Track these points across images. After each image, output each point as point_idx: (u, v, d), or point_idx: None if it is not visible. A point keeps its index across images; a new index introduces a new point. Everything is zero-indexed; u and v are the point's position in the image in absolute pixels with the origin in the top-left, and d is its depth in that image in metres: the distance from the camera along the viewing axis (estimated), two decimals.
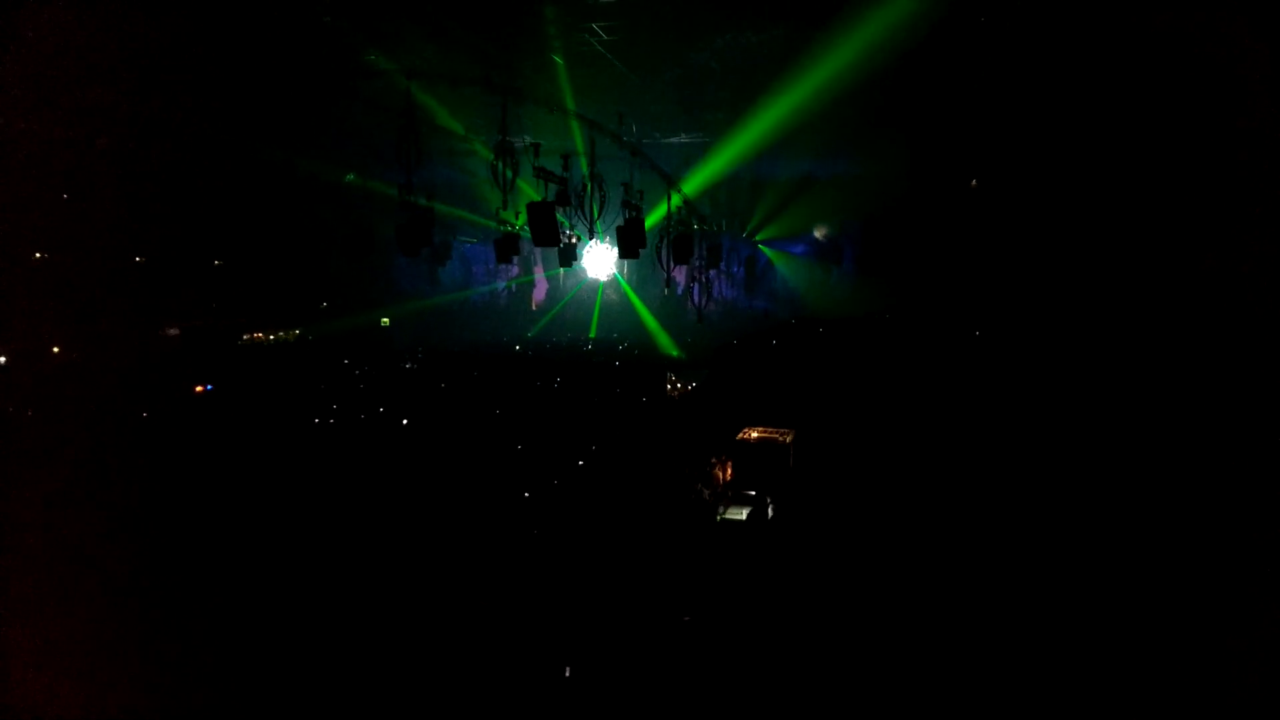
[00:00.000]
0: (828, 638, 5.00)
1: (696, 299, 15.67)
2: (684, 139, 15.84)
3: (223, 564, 6.04)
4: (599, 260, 19.67)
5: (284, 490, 7.69)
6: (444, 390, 12.75)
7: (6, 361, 11.41)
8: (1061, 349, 10.43)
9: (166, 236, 14.00)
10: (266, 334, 17.15)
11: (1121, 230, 10.24)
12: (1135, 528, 6.23)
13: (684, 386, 13.08)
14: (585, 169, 11.23)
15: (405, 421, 10.41)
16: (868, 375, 10.88)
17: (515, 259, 14.76)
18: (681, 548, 6.32)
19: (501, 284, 21.57)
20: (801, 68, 10.38)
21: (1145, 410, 8.16)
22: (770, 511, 7.10)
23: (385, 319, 19.80)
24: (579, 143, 12.97)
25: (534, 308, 21.72)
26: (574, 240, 13.79)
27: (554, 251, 14.12)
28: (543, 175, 11.06)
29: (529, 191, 11.59)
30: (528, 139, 11.31)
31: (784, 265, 19.13)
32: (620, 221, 11.82)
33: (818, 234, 18.35)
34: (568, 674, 4.70)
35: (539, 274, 21.55)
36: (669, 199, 12.73)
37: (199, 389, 12.16)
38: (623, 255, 12.22)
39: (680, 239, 12.69)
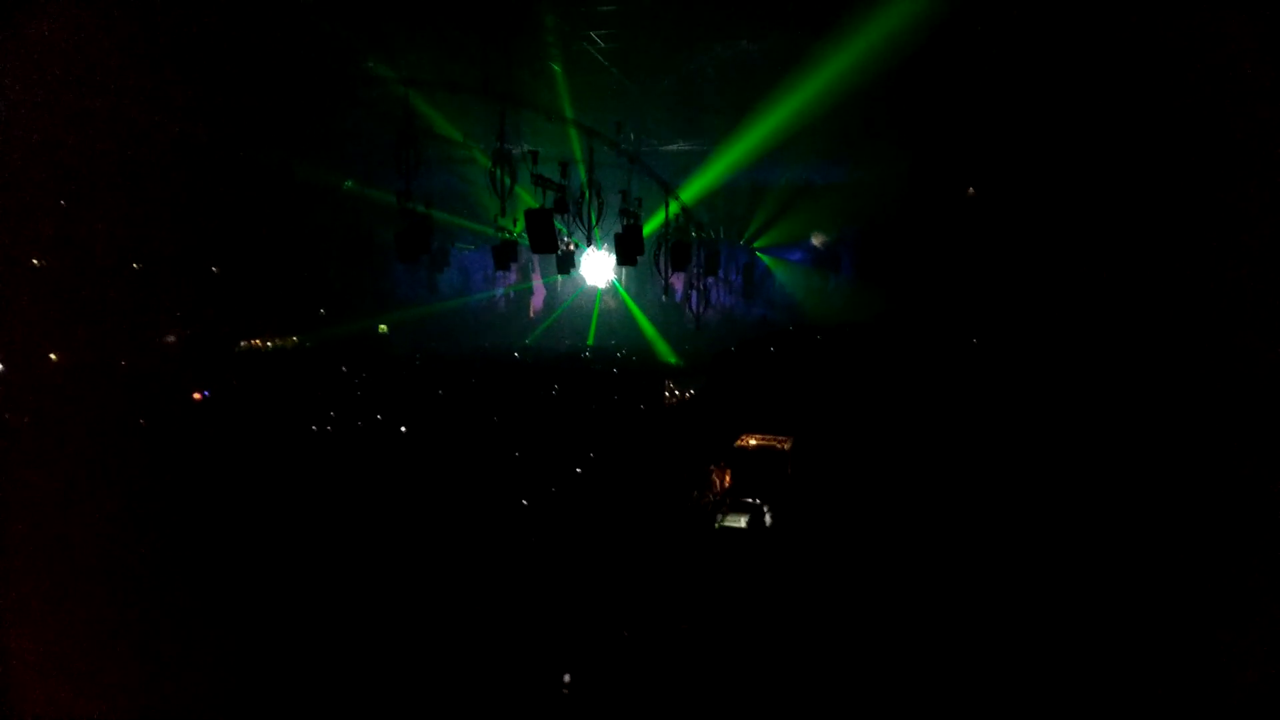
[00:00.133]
0: (826, 647, 4.98)
1: (694, 306, 15.70)
2: (682, 146, 15.88)
3: (221, 571, 6.02)
4: (597, 267, 19.69)
5: (282, 497, 7.67)
6: (442, 397, 12.74)
7: (4, 368, 11.38)
8: (1060, 355, 10.44)
9: (164, 243, 14.00)
10: (264, 341, 17.14)
11: (1119, 238, 10.26)
12: (1135, 533, 6.23)
13: (682, 394, 13.08)
14: (583, 176, 11.25)
15: (403, 429, 10.39)
16: (866, 382, 10.88)
17: (513, 266, 14.77)
18: (680, 556, 6.31)
19: (500, 291, 21.57)
20: (798, 76, 10.42)
21: (1144, 416, 8.16)
22: (769, 519, 7.09)
23: (383, 326, 19.79)
24: (577, 150, 12.99)
25: (532, 315, 21.72)
26: (572, 247, 13.81)
27: (552, 259, 14.15)
28: (541, 183, 11.08)
29: (527, 199, 11.60)
30: (526, 146, 11.34)
31: (782, 272, 19.15)
32: (618, 229, 11.84)
33: (815, 241, 18.37)
34: (566, 682, 4.68)
35: (537, 281, 21.56)
36: (667, 206, 12.76)
37: (197, 396, 12.14)
38: (621, 262, 12.24)
39: (678, 246, 12.71)
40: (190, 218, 13.89)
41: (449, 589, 5.77)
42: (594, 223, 11.24)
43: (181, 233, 14.03)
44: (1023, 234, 12.77)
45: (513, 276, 20.90)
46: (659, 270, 13.03)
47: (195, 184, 13.48)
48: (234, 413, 11.54)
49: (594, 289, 20.71)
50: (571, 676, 4.71)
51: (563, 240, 12.78)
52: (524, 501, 7.58)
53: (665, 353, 18.24)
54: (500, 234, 12.30)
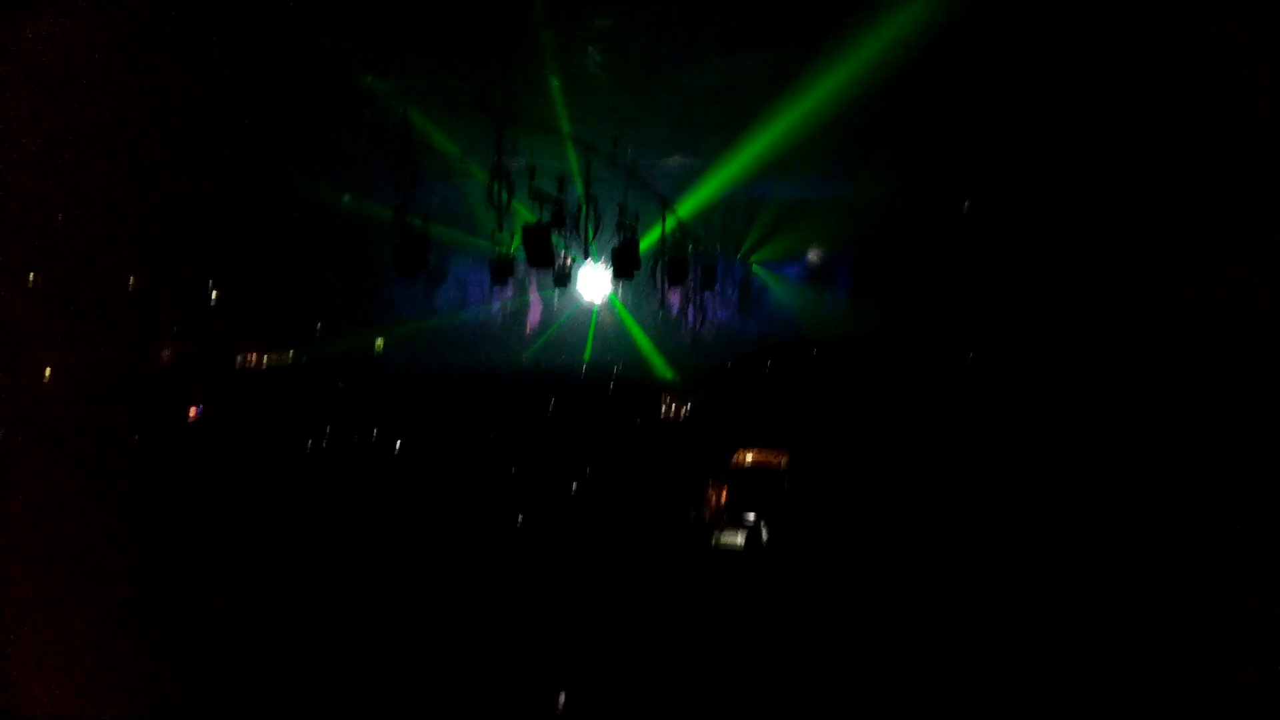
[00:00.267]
0: (824, 666, 4.93)
1: (691, 321, 15.70)
2: (679, 161, 15.90)
3: (215, 587, 5.99)
4: (594, 282, 19.70)
5: (277, 512, 7.62)
6: (438, 413, 12.70)
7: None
8: (1057, 367, 10.45)
9: (161, 259, 13.99)
10: (260, 356, 17.09)
11: (1116, 251, 10.30)
12: (1133, 541, 6.21)
13: (679, 409, 13.05)
14: (580, 191, 11.26)
15: (398, 444, 10.34)
16: (863, 397, 10.87)
17: (510, 281, 14.76)
18: (676, 573, 6.26)
19: (496, 306, 21.56)
20: (795, 91, 10.46)
21: (1142, 425, 8.15)
22: (766, 536, 7.04)
23: (380, 341, 19.76)
24: (574, 165, 13.02)
25: (529, 330, 21.71)
26: (569, 262, 13.81)
27: (549, 274, 14.15)
28: (538, 197, 11.08)
29: (524, 214, 11.60)
30: (523, 161, 11.34)
31: (778, 287, 19.18)
32: (615, 244, 11.84)
33: (812, 256, 18.42)
34: (562, 701, 4.63)
35: (534, 296, 21.56)
36: (664, 221, 12.78)
37: (192, 412, 12.09)
38: (617, 277, 12.24)
39: (675, 261, 12.71)
40: (186, 233, 13.88)
41: (444, 605, 5.73)
42: (591, 238, 11.24)
43: (177, 248, 14.02)
44: (1019, 248, 12.82)
45: (509, 292, 20.90)
46: (656, 285, 13.04)
47: (192, 199, 13.48)
48: (229, 429, 11.49)
49: (591, 304, 20.71)
50: (566, 696, 4.66)
51: (559, 255, 12.77)
52: (520, 518, 7.53)
53: (662, 368, 18.21)
54: (497, 249, 12.29)
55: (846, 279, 18.01)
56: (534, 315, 21.79)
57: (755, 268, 19.12)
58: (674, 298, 18.22)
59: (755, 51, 9.80)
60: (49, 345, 12.10)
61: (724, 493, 7.73)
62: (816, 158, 13.78)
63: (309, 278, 17.73)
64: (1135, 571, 5.82)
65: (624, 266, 11.79)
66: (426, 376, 16.48)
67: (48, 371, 12.25)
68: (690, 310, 15.96)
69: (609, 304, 20.67)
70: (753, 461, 7.73)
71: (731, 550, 6.84)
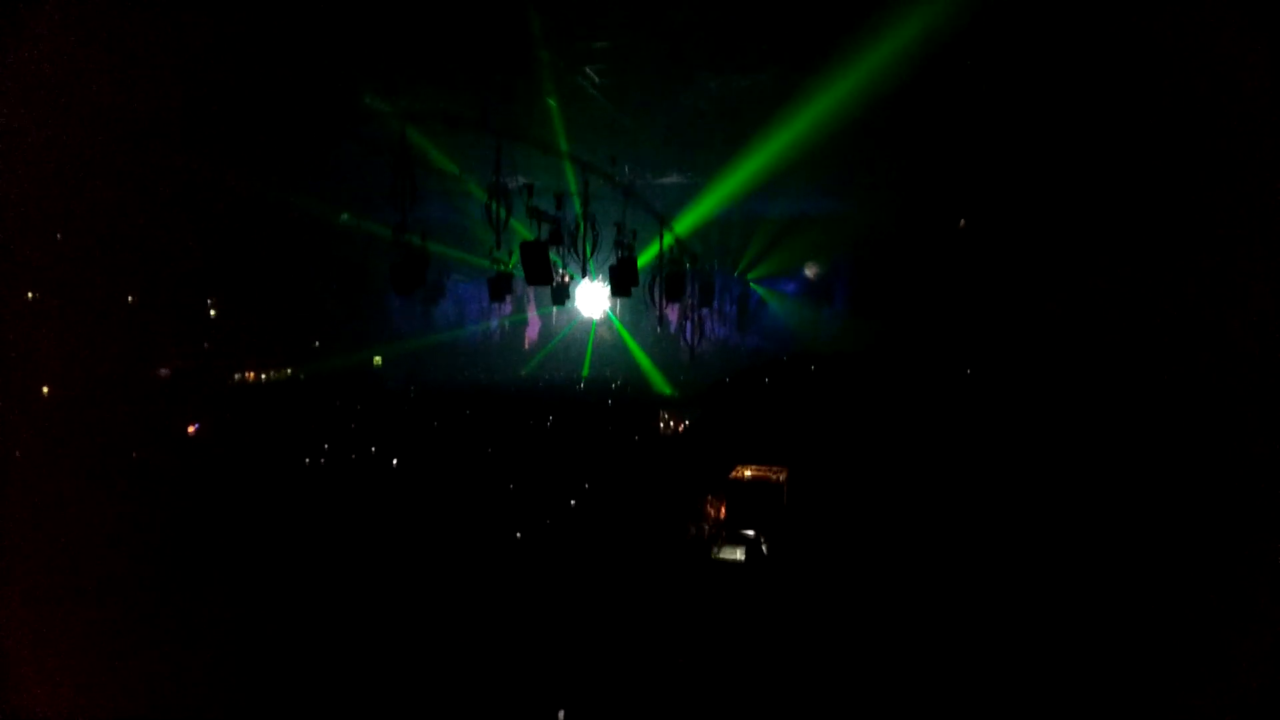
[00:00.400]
0: (825, 681, 4.93)
1: (689, 337, 15.75)
2: (676, 179, 16.02)
3: (212, 605, 5.98)
4: (592, 299, 19.77)
5: (276, 529, 7.62)
6: (436, 429, 12.71)
7: None
8: (1053, 381, 10.49)
9: (158, 276, 14.03)
10: (258, 373, 17.10)
11: (1111, 268, 10.38)
12: (1130, 549, 6.24)
13: (677, 424, 13.07)
14: (578, 209, 11.33)
15: (395, 461, 10.34)
16: (861, 413, 10.90)
17: (508, 298, 14.82)
18: (675, 588, 6.26)
19: (495, 323, 21.61)
20: (790, 110, 10.56)
21: (1139, 445, 8.19)
22: (765, 551, 7.05)
23: (378, 358, 19.78)
24: (572, 183, 13.11)
25: (527, 346, 21.75)
26: (567, 279, 13.87)
27: (547, 290, 14.20)
28: (536, 215, 11.16)
29: (522, 231, 11.68)
30: (521, 179, 11.43)
31: (776, 303, 19.26)
32: (613, 260, 11.91)
33: (809, 272, 18.51)
34: (561, 718, 4.62)
35: (532, 313, 21.63)
36: (661, 238, 12.86)
37: (190, 429, 12.09)
38: (615, 294, 12.29)
39: (673, 277, 12.78)
40: (184, 251, 13.93)
41: (442, 622, 5.72)
42: (589, 255, 11.31)
43: (175, 266, 14.06)
44: (1015, 264, 12.91)
45: (508, 308, 20.97)
46: (653, 302, 13.09)
47: (191, 216, 13.54)
48: (226, 446, 11.49)
49: (589, 320, 20.77)
50: (566, 713, 4.65)
51: (558, 272, 12.84)
52: (518, 534, 7.53)
53: (660, 383, 18.25)
54: (495, 266, 12.35)
55: (844, 295, 18.09)
56: (532, 332, 21.84)
57: (753, 284, 19.20)
58: (672, 314, 18.29)
59: (751, 72, 9.91)
60: (46, 365, 12.10)
61: (723, 507, 7.75)
62: (812, 175, 13.90)
63: (307, 294, 17.78)
64: (1135, 581, 5.83)
65: (621, 283, 11.85)
66: (425, 393, 16.49)
67: (45, 391, 12.26)
68: (688, 326, 16.02)
69: (607, 320, 20.73)
70: (752, 476, 7.75)
71: (731, 564, 6.85)
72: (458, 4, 7.86)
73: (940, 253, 14.94)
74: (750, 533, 7.34)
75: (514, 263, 11.84)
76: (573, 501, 8.62)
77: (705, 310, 16.83)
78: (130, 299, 14.25)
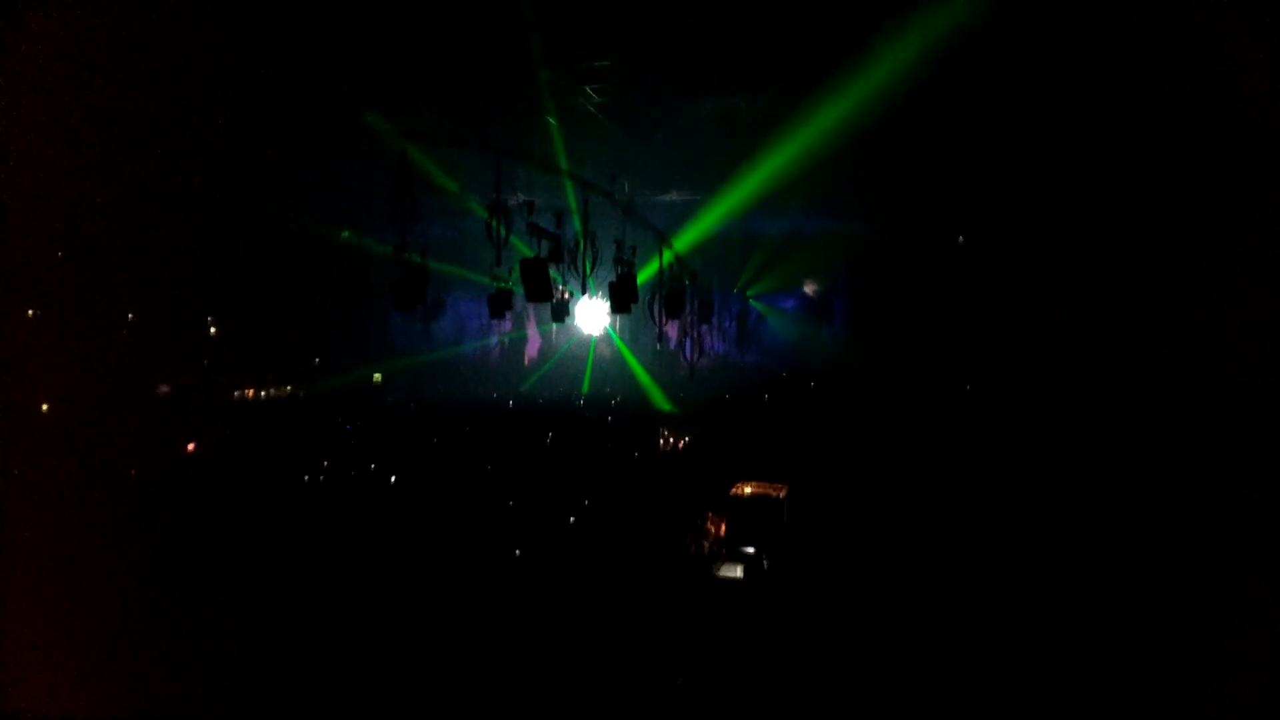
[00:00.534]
0: (826, 699, 4.90)
1: (689, 354, 15.75)
2: (675, 197, 16.09)
3: (211, 614, 5.96)
4: (592, 316, 19.80)
5: (276, 547, 7.59)
6: (436, 446, 12.69)
7: None
8: (1052, 396, 10.49)
9: (159, 293, 14.06)
10: (258, 390, 17.09)
11: (1110, 282, 10.41)
12: (1129, 556, 6.23)
13: (677, 441, 13.05)
14: (578, 226, 11.38)
15: (393, 478, 10.32)
16: (861, 429, 10.89)
17: (508, 315, 14.84)
18: (675, 606, 6.23)
19: (494, 339, 21.63)
20: (788, 129, 10.63)
21: (1138, 456, 8.19)
22: (765, 568, 7.02)
23: (377, 375, 19.78)
24: (572, 200, 13.17)
25: (527, 363, 21.75)
26: (567, 296, 13.90)
27: (547, 307, 14.22)
28: (536, 232, 11.20)
29: (522, 248, 11.72)
30: (522, 197, 11.48)
31: (775, 320, 19.28)
32: (612, 277, 11.94)
33: (808, 290, 18.55)
34: None
35: (532, 329, 21.65)
36: (661, 255, 12.90)
37: (190, 446, 12.06)
38: (615, 310, 12.32)
39: (672, 294, 12.81)
40: (185, 269, 13.97)
41: (442, 636, 5.69)
42: (588, 271, 11.34)
43: (176, 284, 14.10)
44: (1013, 280, 12.94)
45: (508, 325, 20.99)
46: (653, 318, 13.11)
47: (191, 234, 13.59)
48: (226, 463, 11.46)
49: (589, 337, 20.78)
50: None
51: (557, 289, 12.87)
52: (518, 551, 7.51)
53: (660, 400, 18.24)
54: (495, 283, 12.38)
55: (843, 311, 18.12)
56: (532, 349, 21.85)
57: (752, 301, 19.23)
58: (671, 331, 18.30)
59: (749, 91, 9.98)
60: (46, 382, 12.11)
61: (723, 524, 7.72)
62: (811, 193, 13.96)
63: (308, 312, 17.81)
64: (1136, 586, 5.82)
65: (621, 300, 11.88)
66: (424, 409, 16.48)
67: (45, 408, 12.25)
68: (688, 343, 16.03)
69: (607, 337, 20.74)
70: (752, 493, 7.73)
71: (732, 581, 6.82)
72: (458, 24, 7.93)
73: (939, 269, 14.98)
74: (751, 550, 7.31)
75: (514, 280, 11.88)
76: (572, 518, 8.59)
77: (705, 327, 16.83)
78: (130, 316, 14.27)
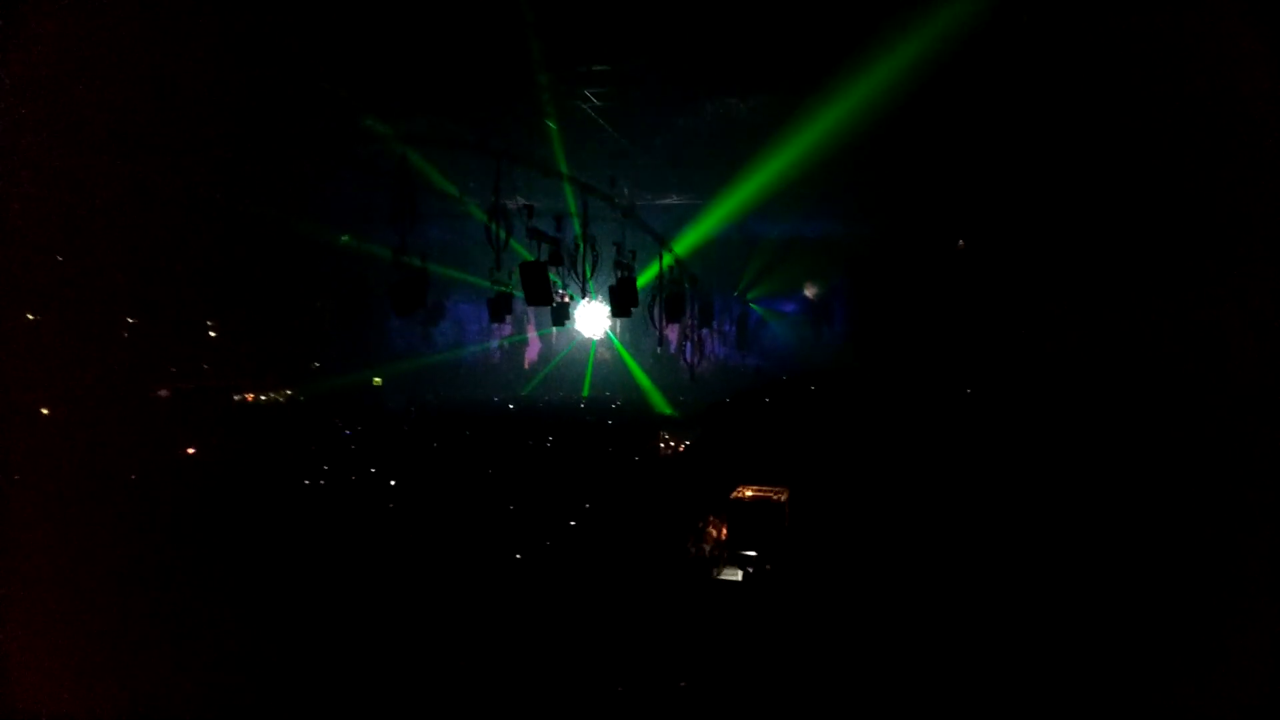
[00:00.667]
0: (828, 705, 4.89)
1: (689, 357, 15.76)
2: (675, 200, 16.12)
3: (211, 614, 5.96)
4: (592, 319, 19.79)
5: (275, 551, 7.58)
6: (436, 450, 12.68)
7: None
8: (1052, 402, 10.49)
9: (158, 297, 14.06)
10: (257, 394, 17.08)
11: (1111, 283, 10.41)
12: (1129, 568, 6.22)
13: (677, 445, 13.04)
14: (578, 230, 11.39)
15: (393, 482, 10.30)
16: (862, 433, 10.88)
17: (508, 318, 14.85)
18: (676, 610, 6.22)
19: (494, 343, 21.62)
20: (788, 132, 10.65)
21: (1139, 458, 8.18)
22: (767, 572, 7.01)
23: (377, 379, 19.77)
24: (571, 204, 13.20)
25: (527, 366, 21.74)
26: (567, 300, 13.90)
27: (547, 311, 14.24)
28: (536, 236, 11.21)
29: (522, 252, 11.74)
30: (521, 200, 11.50)
31: (775, 323, 19.28)
32: (612, 281, 11.95)
33: (808, 293, 18.55)
34: None
35: (532, 333, 21.63)
36: (661, 259, 12.91)
37: (189, 450, 12.05)
38: (615, 314, 12.32)
39: (672, 298, 12.82)
40: (184, 273, 13.98)
41: (442, 640, 5.68)
42: (588, 275, 11.35)
43: (175, 288, 14.10)
44: (1014, 283, 12.95)
45: (507, 329, 20.98)
46: (653, 322, 13.12)
47: (191, 237, 13.59)
48: (225, 467, 11.45)
49: (589, 340, 20.77)
50: None
51: (557, 293, 12.88)
52: (518, 555, 7.49)
53: (660, 403, 18.23)
54: (495, 287, 12.39)
55: (844, 315, 18.13)
56: (532, 352, 21.84)
57: (752, 304, 19.23)
58: (672, 334, 18.31)
59: (748, 95, 10.00)
60: (44, 386, 12.10)
61: (724, 528, 7.71)
62: (812, 196, 13.97)
63: (307, 315, 17.81)
64: (1136, 588, 5.81)
65: (621, 303, 11.88)
66: (424, 413, 16.48)
67: (44, 413, 12.24)
68: (688, 346, 16.04)
69: (607, 340, 20.74)
70: (753, 496, 7.72)
71: (733, 585, 6.81)
72: (458, 28, 7.94)
73: (939, 272, 14.99)
74: (752, 553, 7.30)
75: (514, 283, 11.88)
76: (573, 522, 8.58)
77: (705, 330, 16.84)
78: (129, 319, 14.27)
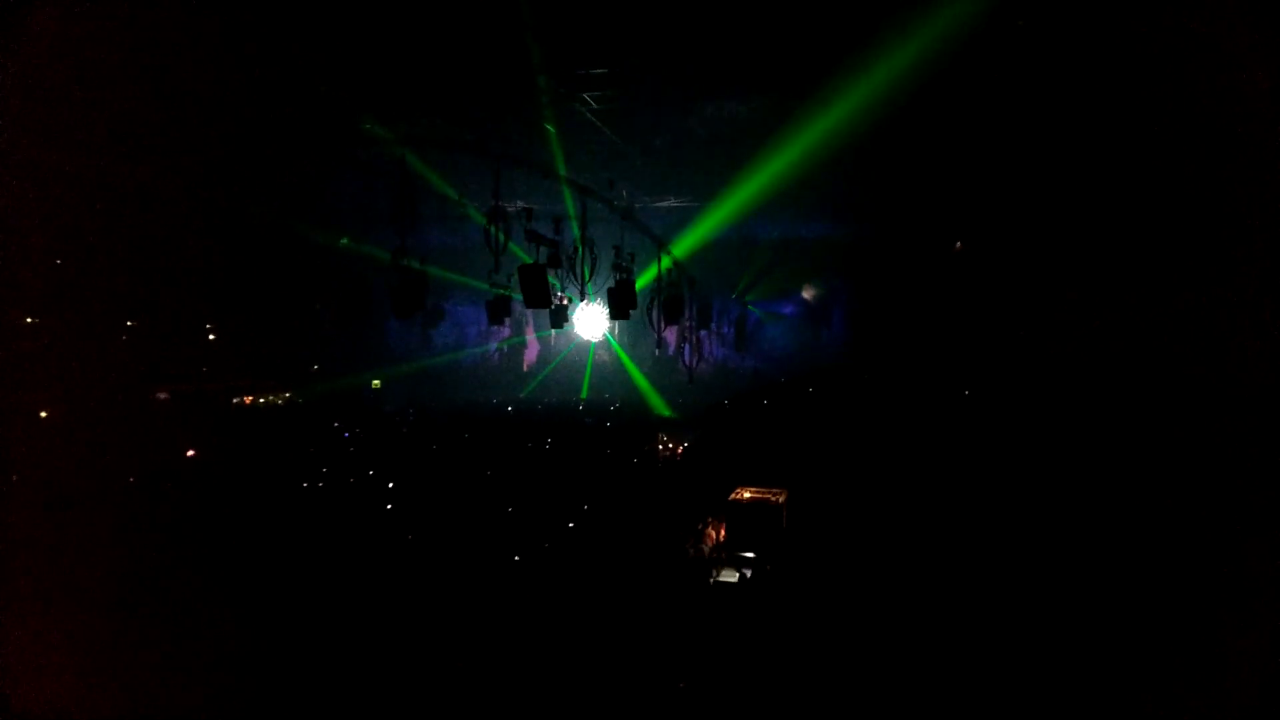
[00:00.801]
0: (827, 706, 4.90)
1: (688, 359, 15.78)
2: (674, 203, 16.17)
3: (210, 623, 5.96)
4: (590, 321, 19.81)
5: (274, 554, 7.58)
6: (435, 452, 12.68)
7: None
8: (1051, 403, 10.50)
9: (158, 300, 14.07)
10: (256, 397, 17.09)
11: (1109, 286, 10.44)
12: (1128, 569, 6.23)
13: (676, 446, 13.05)
14: (577, 232, 11.41)
15: (391, 485, 10.30)
16: (860, 434, 10.90)
17: (507, 321, 14.87)
18: (675, 611, 6.22)
19: (493, 345, 21.64)
20: (785, 135, 10.69)
21: (1138, 460, 8.20)
22: (765, 573, 7.02)
23: (376, 381, 19.78)
24: (570, 207, 13.23)
25: (526, 369, 21.75)
26: (565, 302, 13.92)
27: (545, 313, 14.26)
28: (535, 239, 11.23)
29: (521, 255, 11.76)
30: (520, 203, 11.52)
31: (774, 325, 19.31)
32: (611, 283, 11.97)
33: (806, 295, 18.59)
34: None
35: (531, 335, 21.65)
36: (659, 261, 12.93)
37: (189, 452, 12.05)
38: (613, 316, 12.34)
39: (671, 300, 12.84)
40: (184, 275, 13.99)
41: (440, 641, 5.68)
42: (587, 278, 11.37)
43: (175, 290, 14.11)
44: (1011, 285, 12.97)
45: (506, 331, 20.99)
46: (652, 324, 13.14)
47: (190, 240, 13.61)
48: (225, 470, 11.45)
49: (587, 343, 20.79)
50: None
51: (556, 295, 12.90)
52: (516, 557, 7.50)
53: (659, 405, 18.25)
54: (494, 289, 12.41)
55: (841, 317, 18.16)
56: (531, 354, 21.85)
57: (751, 306, 19.27)
58: (670, 336, 18.33)
59: (746, 98, 10.04)
60: (44, 389, 12.10)
61: (723, 529, 7.72)
62: (810, 199, 14.01)
63: (306, 318, 17.82)
64: (1135, 589, 5.83)
65: (620, 306, 11.90)
66: (423, 416, 16.48)
67: (43, 415, 12.24)
68: (686, 348, 16.07)
69: (606, 343, 20.75)
70: (751, 498, 7.73)
71: (731, 586, 6.82)
72: (458, 32, 7.97)
73: (937, 274, 15.02)
74: (750, 555, 7.31)
75: (513, 286, 11.89)
76: (571, 524, 8.58)
77: (703, 332, 16.88)
78: (129, 321, 14.27)
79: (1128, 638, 5.27)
